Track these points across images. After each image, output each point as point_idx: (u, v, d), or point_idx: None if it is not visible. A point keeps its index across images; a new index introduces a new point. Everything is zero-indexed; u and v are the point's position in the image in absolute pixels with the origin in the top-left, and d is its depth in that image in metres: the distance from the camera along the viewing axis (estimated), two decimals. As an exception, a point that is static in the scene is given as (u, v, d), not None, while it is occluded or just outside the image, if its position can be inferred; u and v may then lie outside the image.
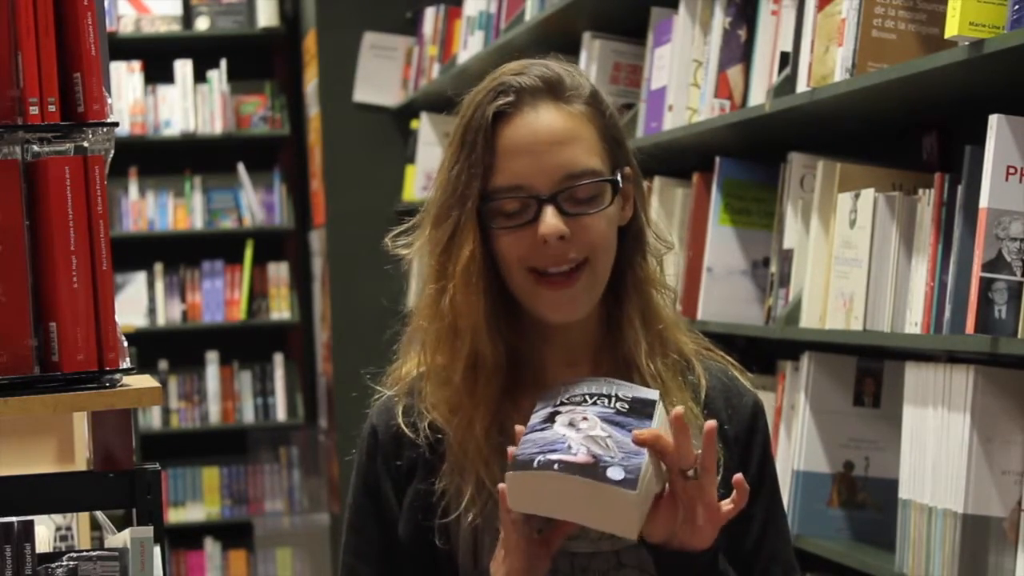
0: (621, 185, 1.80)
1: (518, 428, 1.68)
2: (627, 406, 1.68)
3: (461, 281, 1.79)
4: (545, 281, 1.77)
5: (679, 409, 1.65)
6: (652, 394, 1.72)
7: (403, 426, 1.84)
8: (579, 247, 1.76)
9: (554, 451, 1.61)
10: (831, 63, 2.68)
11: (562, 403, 1.69)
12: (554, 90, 1.80)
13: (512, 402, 1.82)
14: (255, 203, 6.75)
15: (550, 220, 1.75)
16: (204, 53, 6.72)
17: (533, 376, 1.83)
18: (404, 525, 1.82)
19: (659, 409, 1.70)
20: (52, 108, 1.83)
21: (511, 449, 1.66)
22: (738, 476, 1.68)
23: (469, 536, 1.79)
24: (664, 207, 3.51)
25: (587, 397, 1.70)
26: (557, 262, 1.76)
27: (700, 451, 1.65)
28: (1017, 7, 2.18)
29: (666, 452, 1.64)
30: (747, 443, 1.87)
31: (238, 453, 6.80)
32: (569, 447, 1.61)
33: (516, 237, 1.77)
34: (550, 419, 1.67)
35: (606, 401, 1.69)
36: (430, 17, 5.79)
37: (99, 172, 1.84)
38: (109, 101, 1.87)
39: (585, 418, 1.66)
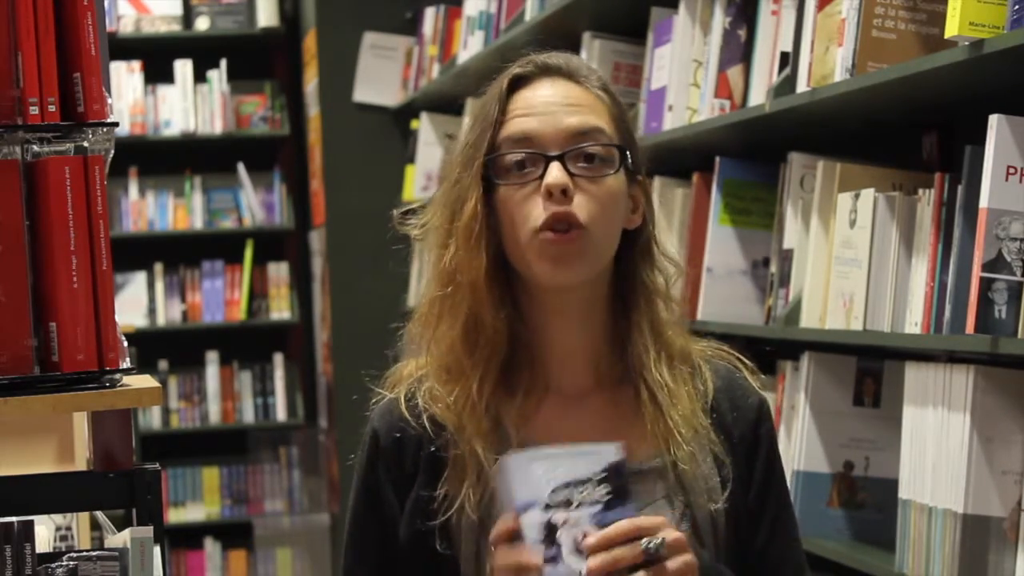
0: (629, 158, 1.82)
1: (501, 523, 1.66)
2: (607, 488, 1.65)
3: (463, 237, 1.80)
4: (544, 238, 1.76)
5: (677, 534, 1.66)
6: (610, 451, 1.67)
7: (406, 427, 1.83)
8: (581, 206, 1.77)
9: None
10: (831, 63, 2.68)
11: (548, 506, 1.65)
12: (572, 73, 1.85)
13: (509, 395, 1.82)
14: (255, 203, 6.75)
15: (555, 172, 1.77)
16: (204, 53, 6.71)
17: (531, 375, 1.83)
18: (405, 530, 1.81)
19: (625, 466, 1.68)
20: (52, 108, 1.82)
21: None
22: (677, 535, 1.66)
23: (471, 539, 1.78)
24: (664, 207, 3.50)
25: (572, 494, 1.65)
26: (558, 217, 1.76)
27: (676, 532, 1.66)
28: (1017, 7, 2.18)
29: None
30: (753, 444, 1.87)
31: (238, 453, 6.79)
32: None
33: (522, 194, 1.78)
34: (550, 535, 1.64)
35: (589, 491, 1.65)
36: (430, 17, 5.79)
37: (99, 172, 1.84)
38: (109, 101, 1.86)
39: (585, 534, 1.64)
